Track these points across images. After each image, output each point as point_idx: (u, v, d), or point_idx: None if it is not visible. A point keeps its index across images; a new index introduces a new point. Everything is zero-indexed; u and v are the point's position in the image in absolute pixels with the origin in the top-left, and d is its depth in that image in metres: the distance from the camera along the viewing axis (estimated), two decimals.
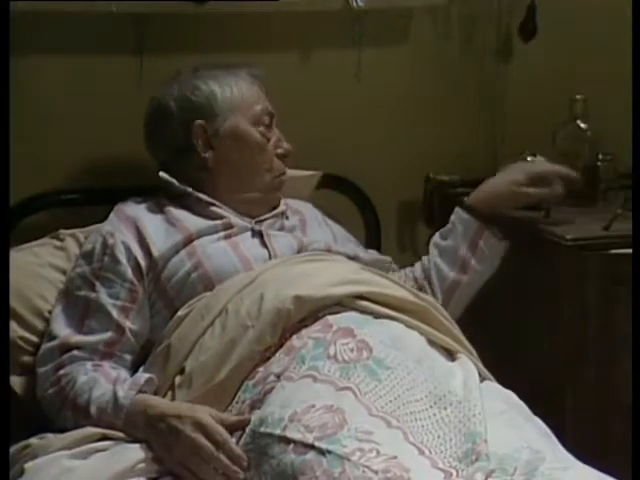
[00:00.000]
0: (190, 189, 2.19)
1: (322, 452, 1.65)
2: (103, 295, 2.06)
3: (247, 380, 1.88)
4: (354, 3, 2.58)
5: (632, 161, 2.19)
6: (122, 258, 2.08)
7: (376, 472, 1.61)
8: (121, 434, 1.89)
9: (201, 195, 2.18)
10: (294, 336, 1.91)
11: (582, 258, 2.36)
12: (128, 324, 2.05)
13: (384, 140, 2.69)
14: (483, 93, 2.79)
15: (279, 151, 2.25)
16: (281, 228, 2.23)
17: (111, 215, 2.18)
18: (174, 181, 2.20)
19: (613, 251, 2.36)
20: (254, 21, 2.54)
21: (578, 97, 2.62)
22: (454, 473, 1.67)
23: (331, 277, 2.02)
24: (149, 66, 2.44)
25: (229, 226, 2.15)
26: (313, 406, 1.73)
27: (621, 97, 2.50)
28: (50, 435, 1.93)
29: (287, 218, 2.27)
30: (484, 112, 2.79)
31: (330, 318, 1.94)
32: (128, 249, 2.09)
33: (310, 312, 1.95)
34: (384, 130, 2.69)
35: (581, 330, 2.37)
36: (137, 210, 2.17)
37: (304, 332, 1.91)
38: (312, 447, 1.66)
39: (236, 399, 1.87)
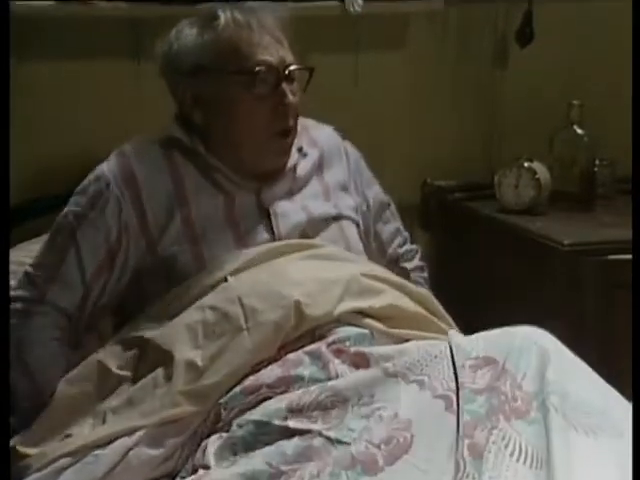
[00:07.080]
0: (201, 148, 2.02)
1: (328, 438, 1.62)
2: (81, 248, 1.97)
3: (236, 387, 1.80)
4: (352, 8, 2.59)
5: (632, 165, 2.19)
6: (110, 219, 1.97)
7: (378, 446, 1.58)
8: (96, 442, 1.80)
9: (207, 157, 2.02)
10: (286, 346, 1.84)
11: (579, 263, 2.37)
12: (96, 287, 1.97)
13: (381, 145, 2.69)
14: (480, 98, 2.80)
15: (280, 108, 2.01)
16: (290, 192, 2.07)
17: (114, 158, 2.02)
18: (183, 138, 2.04)
19: (610, 256, 2.36)
20: None
21: (575, 102, 2.64)
22: (453, 398, 1.62)
23: (331, 291, 1.89)
24: (146, 69, 2.44)
25: (231, 203, 2.01)
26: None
27: (618, 102, 2.52)
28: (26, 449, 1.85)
29: (305, 155, 2.12)
30: (481, 117, 2.80)
31: (324, 331, 1.86)
32: (120, 211, 1.97)
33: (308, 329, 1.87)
34: (381, 135, 2.69)
35: (580, 335, 2.37)
36: (142, 167, 2.01)
37: (297, 343, 1.84)
38: (319, 434, 1.63)
39: (224, 405, 1.79)
